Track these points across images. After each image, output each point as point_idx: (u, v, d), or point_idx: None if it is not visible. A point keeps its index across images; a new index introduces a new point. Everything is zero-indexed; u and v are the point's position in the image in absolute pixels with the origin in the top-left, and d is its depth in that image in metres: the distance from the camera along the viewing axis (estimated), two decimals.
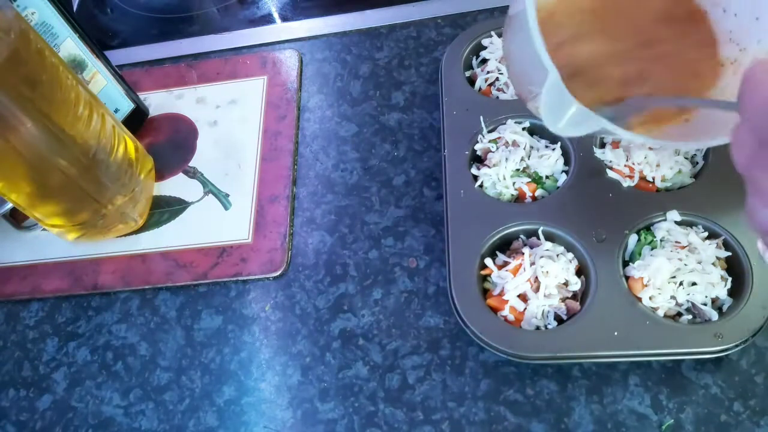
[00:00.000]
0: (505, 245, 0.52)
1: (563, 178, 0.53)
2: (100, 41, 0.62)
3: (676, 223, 0.49)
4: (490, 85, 0.59)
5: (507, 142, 0.54)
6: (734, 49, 0.41)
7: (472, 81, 0.60)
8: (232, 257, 0.57)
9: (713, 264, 0.47)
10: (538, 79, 0.35)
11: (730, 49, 0.41)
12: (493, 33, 0.61)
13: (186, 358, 0.54)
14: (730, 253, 0.48)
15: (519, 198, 0.53)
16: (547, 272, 0.48)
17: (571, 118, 0.36)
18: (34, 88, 0.46)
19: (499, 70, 0.59)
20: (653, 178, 0.51)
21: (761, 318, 0.45)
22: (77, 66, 0.59)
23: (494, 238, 0.51)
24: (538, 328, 0.47)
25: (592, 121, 0.36)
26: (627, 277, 0.48)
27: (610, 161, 0.52)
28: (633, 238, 0.49)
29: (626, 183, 0.51)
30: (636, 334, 0.45)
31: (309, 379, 0.51)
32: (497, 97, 0.58)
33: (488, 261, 0.50)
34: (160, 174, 0.63)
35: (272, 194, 0.60)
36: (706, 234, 0.48)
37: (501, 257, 0.50)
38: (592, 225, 0.50)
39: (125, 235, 0.60)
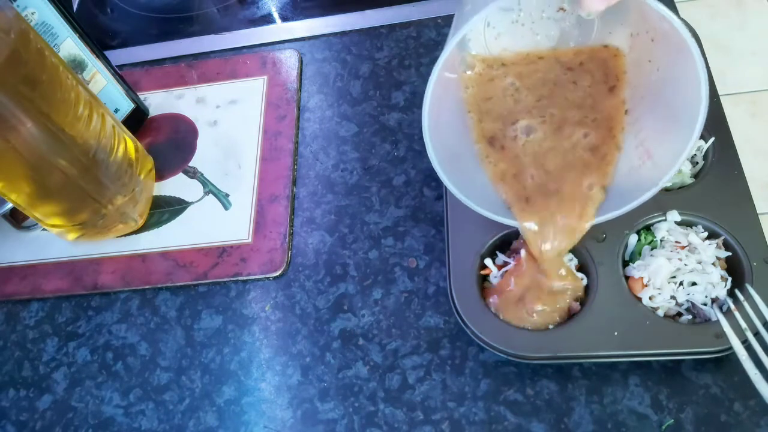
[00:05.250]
0: (505, 245, 0.52)
1: None
2: (100, 41, 0.61)
3: (676, 223, 0.49)
4: None
5: None
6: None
7: None
8: (232, 257, 0.57)
9: (713, 264, 0.47)
10: None
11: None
12: None
13: (186, 358, 0.54)
14: (730, 253, 0.48)
15: None
16: None
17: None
18: (34, 88, 0.46)
19: None
20: None
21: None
22: (77, 66, 0.59)
23: (494, 238, 0.51)
24: None
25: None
26: (627, 277, 0.48)
27: None
28: (633, 238, 0.49)
29: None
30: (636, 334, 0.45)
31: (309, 379, 0.51)
32: None
33: (488, 261, 0.50)
34: (160, 174, 0.63)
35: (272, 194, 0.60)
36: (706, 234, 0.48)
37: (501, 257, 0.50)
38: (593, 225, 0.49)
39: (125, 235, 0.60)
